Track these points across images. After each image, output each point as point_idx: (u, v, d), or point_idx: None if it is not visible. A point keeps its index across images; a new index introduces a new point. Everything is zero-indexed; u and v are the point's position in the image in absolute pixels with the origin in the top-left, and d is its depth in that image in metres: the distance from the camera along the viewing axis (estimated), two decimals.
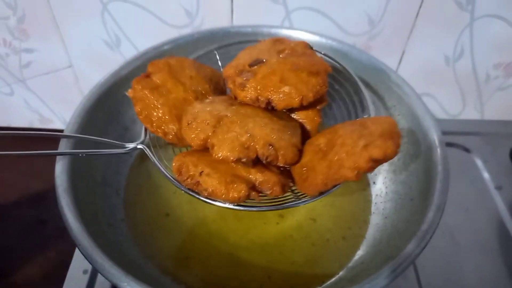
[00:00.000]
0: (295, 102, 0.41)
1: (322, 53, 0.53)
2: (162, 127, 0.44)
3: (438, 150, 0.47)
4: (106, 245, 0.40)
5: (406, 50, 0.68)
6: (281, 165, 0.39)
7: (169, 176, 0.43)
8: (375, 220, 0.52)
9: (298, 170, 0.41)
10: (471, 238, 0.59)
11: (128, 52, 0.69)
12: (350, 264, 0.48)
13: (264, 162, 0.38)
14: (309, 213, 0.53)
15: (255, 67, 0.43)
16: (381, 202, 0.53)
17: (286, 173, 0.42)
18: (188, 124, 0.41)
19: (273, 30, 0.59)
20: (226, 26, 0.61)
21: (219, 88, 0.49)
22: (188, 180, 0.39)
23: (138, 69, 0.55)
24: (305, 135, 0.45)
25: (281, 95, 0.41)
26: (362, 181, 0.56)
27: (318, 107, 0.45)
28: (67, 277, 0.53)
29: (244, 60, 0.46)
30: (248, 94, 0.42)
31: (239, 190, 0.37)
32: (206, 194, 0.38)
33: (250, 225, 0.51)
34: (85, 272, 0.53)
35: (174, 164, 0.41)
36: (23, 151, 0.40)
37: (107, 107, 0.53)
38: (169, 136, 0.44)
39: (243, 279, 0.47)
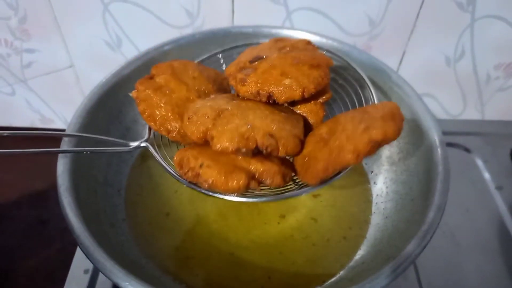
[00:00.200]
0: (297, 94, 0.41)
1: (324, 49, 0.54)
2: (165, 125, 0.45)
3: (439, 150, 0.48)
4: (107, 245, 0.40)
5: (406, 51, 0.68)
6: (282, 155, 0.39)
7: (172, 171, 0.43)
8: (376, 220, 0.52)
9: (300, 161, 0.40)
10: (472, 238, 0.59)
11: (129, 52, 0.70)
12: (350, 264, 0.48)
13: (264, 152, 0.38)
14: (310, 213, 0.53)
15: (256, 63, 0.44)
16: (382, 202, 0.53)
17: (288, 164, 0.41)
18: (189, 118, 0.41)
19: (274, 31, 0.59)
20: (227, 27, 0.61)
21: (222, 88, 0.49)
22: (189, 172, 0.39)
23: (139, 69, 0.55)
24: (309, 129, 0.44)
25: (282, 88, 0.41)
26: (362, 181, 0.56)
27: (321, 100, 0.45)
28: (68, 277, 0.53)
29: (245, 58, 0.46)
30: (249, 88, 0.42)
31: (239, 179, 0.37)
32: (206, 186, 0.38)
33: (251, 225, 0.51)
34: (86, 271, 0.53)
35: (175, 158, 0.41)
36: (26, 149, 0.40)
37: (109, 107, 0.53)
38: (172, 133, 0.45)
39: (244, 279, 0.47)
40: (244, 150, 0.37)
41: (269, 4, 0.63)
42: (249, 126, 0.38)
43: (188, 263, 0.48)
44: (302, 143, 0.41)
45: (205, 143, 0.40)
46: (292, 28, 0.63)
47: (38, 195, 0.70)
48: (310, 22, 0.64)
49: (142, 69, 0.55)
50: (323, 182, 0.39)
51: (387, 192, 0.54)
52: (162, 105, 0.44)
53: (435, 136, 0.49)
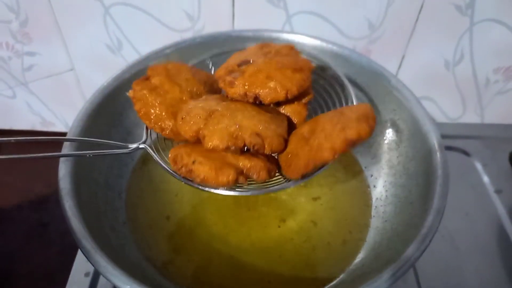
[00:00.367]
0: (281, 95, 0.44)
1: (306, 53, 0.55)
2: (160, 124, 0.47)
3: (438, 154, 0.48)
4: (108, 248, 0.41)
5: (406, 54, 0.68)
6: (268, 152, 0.42)
7: (169, 169, 0.44)
8: (375, 223, 0.52)
9: (284, 158, 0.44)
10: (471, 242, 0.59)
11: (129, 55, 0.70)
12: (350, 267, 0.48)
13: (251, 150, 0.41)
14: (310, 217, 0.53)
15: (243, 66, 0.46)
16: (381, 206, 0.53)
17: (273, 161, 0.44)
18: (182, 118, 0.43)
19: (274, 34, 0.59)
20: (228, 30, 0.61)
21: (213, 90, 0.51)
22: (182, 168, 0.41)
23: (140, 73, 0.55)
24: (292, 128, 0.47)
25: (267, 90, 0.44)
26: (362, 185, 0.57)
27: (304, 101, 0.48)
28: (69, 280, 0.53)
29: (234, 61, 0.48)
30: (237, 90, 0.45)
31: (228, 175, 0.39)
32: (198, 181, 0.40)
33: (251, 228, 0.51)
34: (87, 274, 0.53)
35: (170, 155, 0.43)
36: (29, 154, 0.40)
37: (110, 111, 0.54)
38: (166, 131, 0.47)
39: (244, 283, 0.47)
40: (233, 148, 0.40)
41: (269, 8, 0.63)
42: (237, 126, 0.41)
43: (188, 266, 0.48)
44: (286, 141, 0.44)
45: (197, 141, 0.42)
46: (292, 32, 0.63)
47: (38, 198, 0.70)
48: (310, 25, 0.65)
49: (143, 72, 0.54)
50: (305, 177, 0.42)
51: (386, 196, 0.54)
52: (156, 104, 0.47)
53: (434, 140, 0.49)
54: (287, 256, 0.49)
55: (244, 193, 0.43)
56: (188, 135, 0.42)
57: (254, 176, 0.41)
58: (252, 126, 0.41)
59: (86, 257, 0.39)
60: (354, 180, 0.57)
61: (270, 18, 0.64)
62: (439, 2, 0.61)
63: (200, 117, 0.42)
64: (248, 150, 0.41)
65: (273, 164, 0.44)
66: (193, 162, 0.40)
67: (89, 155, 0.45)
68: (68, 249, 0.60)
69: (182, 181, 0.43)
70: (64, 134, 0.48)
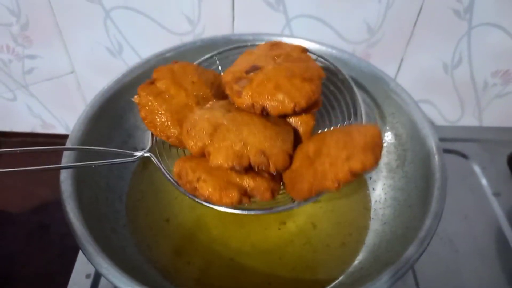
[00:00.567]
0: (288, 109, 0.43)
1: (317, 55, 0.54)
2: (165, 131, 0.46)
3: (436, 157, 0.48)
4: (109, 250, 0.41)
5: (404, 58, 0.68)
6: (273, 172, 0.41)
7: (174, 183, 0.44)
8: (375, 226, 0.52)
9: (288, 175, 0.43)
10: (469, 244, 0.59)
11: (130, 59, 0.70)
12: (350, 269, 0.48)
13: (256, 169, 0.41)
14: (310, 219, 0.53)
15: (251, 74, 0.45)
16: (380, 208, 0.54)
17: (277, 176, 0.44)
18: (187, 132, 0.43)
19: (274, 38, 0.59)
20: (228, 34, 0.62)
21: (220, 91, 0.50)
22: (187, 185, 0.42)
23: (141, 76, 0.55)
24: (299, 139, 0.47)
25: (275, 103, 0.43)
26: (361, 187, 0.57)
27: (311, 111, 0.47)
28: (70, 282, 0.53)
29: (242, 66, 0.47)
30: (244, 101, 0.44)
31: (231, 197, 0.39)
32: (203, 199, 0.41)
33: (251, 231, 0.52)
34: (88, 276, 0.54)
35: (174, 169, 0.43)
36: (33, 167, 0.41)
37: (110, 114, 0.54)
38: (171, 139, 0.47)
39: (245, 285, 0.47)
40: (238, 167, 0.40)
41: (269, 12, 0.63)
42: (242, 143, 0.41)
43: (189, 268, 0.49)
44: (291, 157, 0.43)
45: (202, 155, 0.42)
46: (291, 35, 0.64)
47: (39, 200, 0.70)
48: (309, 29, 0.65)
49: (144, 76, 0.55)
50: (307, 199, 0.42)
51: (385, 199, 0.54)
52: (162, 111, 0.46)
53: (432, 143, 0.49)
54: (287, 258, 0.50)
55: (247, 212, 0.43)
56: (193, 150, 0.42)
57: (258, 197, 0.41)
58: (257, 143, 0.41)
59: (88, 259, 0.39)
60: (353, 183, 0.57)
61: (270, 21, 0.64)
62: (437, 6, 0.61)
63: (205, 132, 0.41)
64: (252, 168, 0.41)
65: (277, 181, 0.44)
66: (198, 180, 0.41)
67: (95, 166, 0.45)
68: (68, 251, 0.60)
69: (187, 195, 0.43)
70: (64, 136, 0.48)
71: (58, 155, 0.47)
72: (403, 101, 0.54)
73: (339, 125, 0.51)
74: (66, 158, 0.47)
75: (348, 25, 0.65)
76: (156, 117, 0.46)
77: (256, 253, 0.50)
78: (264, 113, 0.44)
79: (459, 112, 0.76)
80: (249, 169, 0.41)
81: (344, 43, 0.66)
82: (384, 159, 0.57)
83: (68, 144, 0.48)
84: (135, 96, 0.47)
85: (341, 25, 0.65)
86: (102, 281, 0.53)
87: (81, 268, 0.54)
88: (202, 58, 0.56)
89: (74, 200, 0.43)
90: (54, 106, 0.78)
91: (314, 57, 0.52)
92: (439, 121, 0.77)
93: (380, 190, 0.56)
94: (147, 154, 0.47)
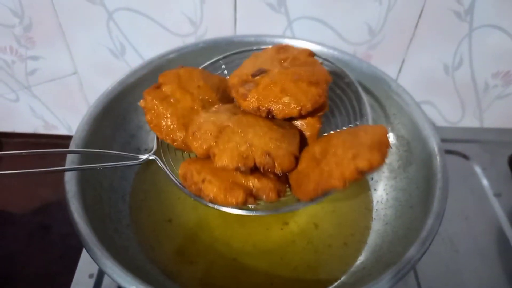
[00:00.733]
0: (294, 112, 0.43)
1: (323, 58, 0.54)
2: (171, 135, 0.47)
3: (438, 158, 0.48)
4: (113, 250, 0.41)
5: (406, 59, 0.68)
6: (278, 173, 0.41)
7: (179, 185, 0.45)
8: (376, 226, 0.53)
9: (294, 176, 0.43)
10: (470, 245, 0.60)
11: (132, 60, 0.70)
12: (351, 270, 0.49)
13: (261, 170, 0.40)
14: (312, 219, 0.53)
15: (258, 77, 0.45)
16: (382, 209, 0.54)
17: (283, 178, 0.44)
18: (193, 134, 0.43)
19: (276, 40, 0.60)
20: (230, 36, 0.62)
21: (226, 95, 0.50)
22: (192, 186, 0.42)
23: (144, 78, 0.56)
24: (305, 142, 0.46)
25: (280, 106, 0.43)
26: (363, 188, 0.57)
27: (318, 115, 0.47)
28: (73, 282, 0.53)
29: (248, 69, 0.47)
30: (250, 104, 0.44)
31: (237, 197, 0.39)
32: (208, 200, 0.41)
33: (253, 231, 0.52)
34: (91, 276, 0.54)
35: (180, 171, 0.44)
36: (39, 169, 0.41)
37: (114, 115, 0.54)
38: (177, 142, 0.47)
39: (247, 285, 0.47)
40: (243, 168, 0.40)
41: (270, 13, 0.63)
42: (248, 144, 0.40)
43: (192, 268, 0.49)
44: (297, 159, 0.43)
45: (207, 157, 0.42)
46: (293, 37, 0.64)
47: (40, 201, 0.70)
48: (311, 31, 0.65)
49: (147, 77, 0.56)
50: (313, 200, 0.42)
51: (387, 199, 0.54)
52: (168, 115, 0.46)
53: (434, 144, 0.50)
54: (289, 258, 0.50)
55: (252, 213, 0.43)
56: (198, 152, 0.42)
57: (264, 198, 0.41)
58: (262, 145, 0.41)
59: (92, 259, 0.39)
60: (355, 183, 0.57)
61: (272, 23, 0.65)
62: (438, 8, 0.61)
63: (210, 134, 0.41)
64: (258, 168, 0.41)
65: (283, 182, 0.43)
66: (203, 181, 0.41)
67: (100, 168, 0.46)
68: (70, 251, 0.60)
69: (192, 197, 0.43)
70: (66, 137, 0.48)
71: (60, 156, 0.47)
72: (405, 102, 0.54)
73: (345, 127, 0.51)
74: (71, 159, 0.47)
75: (349, 27, 0.65)
76: (162, 121, 0.47)
77: (258, 253, 0.50)
78: (270, 116, 0.44)
79: (460, 113, 0.76)
80: (254, 170, 0.41)
81: (345, 44, 0.67)
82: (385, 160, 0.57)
83: (72, 144, 0.48)
84: (141, 100, 0.48)
85: (342, 27, 0.65)
86: (105, 280, 0.54)
87: (84, 268, 0.55)
88: (208, 62, 0.56)
89: (79, 200, 0.43)
90: (56, 107, 0.78)
91: (320, 60, 0.52)
92: (440, 122, 0.78)
93: (381, 190, 0.56)
94: (152, 157, 0.47)
